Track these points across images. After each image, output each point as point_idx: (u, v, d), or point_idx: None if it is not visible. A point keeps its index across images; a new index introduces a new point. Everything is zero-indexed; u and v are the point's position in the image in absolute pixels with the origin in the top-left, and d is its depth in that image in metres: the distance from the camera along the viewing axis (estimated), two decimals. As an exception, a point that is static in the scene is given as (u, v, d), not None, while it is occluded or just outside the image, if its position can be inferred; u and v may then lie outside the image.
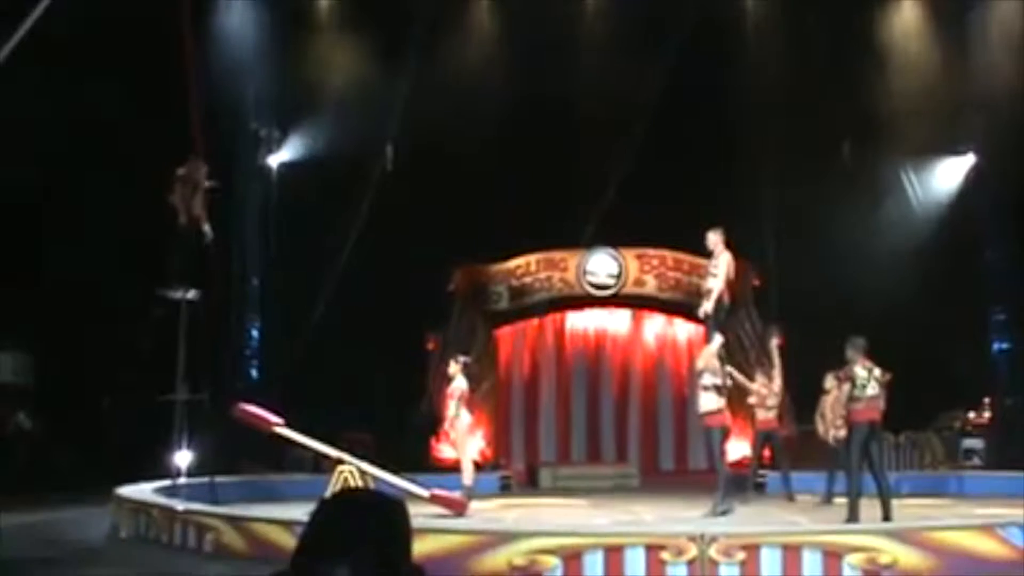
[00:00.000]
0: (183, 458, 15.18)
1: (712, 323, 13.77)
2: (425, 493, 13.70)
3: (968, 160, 21.45)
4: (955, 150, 21.48)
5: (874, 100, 20.68)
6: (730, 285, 13.87)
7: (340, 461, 13.68)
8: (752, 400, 16.62)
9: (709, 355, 13.52)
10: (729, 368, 14.32)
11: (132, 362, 17.61)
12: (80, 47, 16.85)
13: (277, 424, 14.07)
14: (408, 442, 19.32)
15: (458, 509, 13.97)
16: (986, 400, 20.44)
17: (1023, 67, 19.63)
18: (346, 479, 13.43)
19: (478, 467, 20.44)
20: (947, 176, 21.53)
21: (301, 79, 21.59)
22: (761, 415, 16.69)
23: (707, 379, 13.47)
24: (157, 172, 15.47)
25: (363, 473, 13.60)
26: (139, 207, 16.81)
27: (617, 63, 20.40)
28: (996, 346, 21.22)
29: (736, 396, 15.38)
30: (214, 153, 19.27)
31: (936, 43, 21.17)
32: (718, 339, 13.63)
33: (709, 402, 13.48)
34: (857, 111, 20.58)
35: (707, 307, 13.59)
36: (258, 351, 21.73)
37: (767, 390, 16.55)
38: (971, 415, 20.15)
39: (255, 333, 21.89)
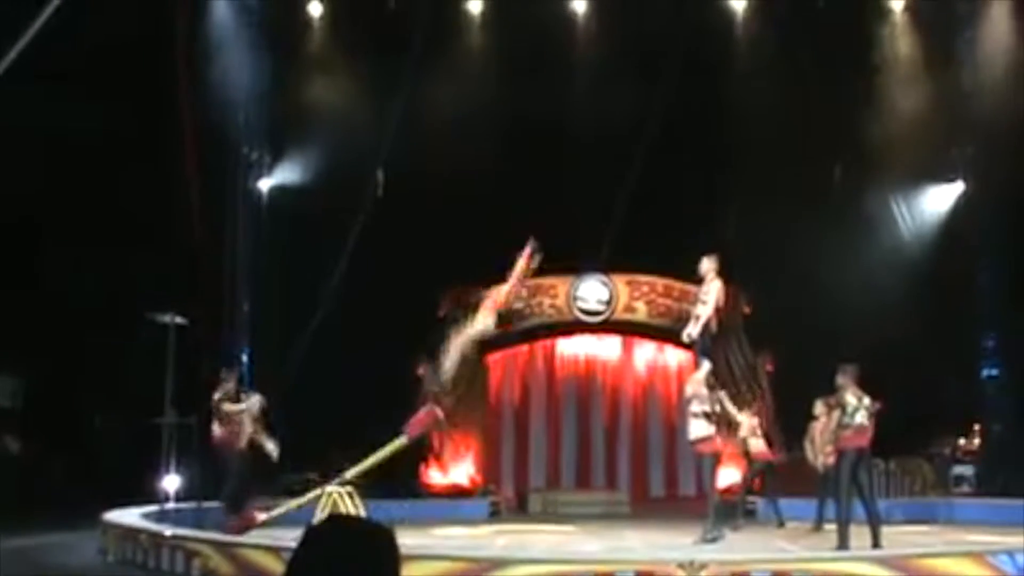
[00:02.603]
0: (171, 482, 15.14)
1: (700, 350, 13.80)
2: (403, 438, 13.85)
3: (958, 187, 21.49)
4: (945, 177, 21.51)
5: (864, 127, 20.74)
6: (719, 312, 13.90)
7: (325, 481, 13.73)
8: (743, 433, 16.61)
9: (697, 382, 13.53)
10: (721, 393, 14.32)
11: (122, 386, 17.57)
12: (77, 69, 16.86)
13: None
14: (397, 468, 19.25)
15: (432, 416, 14.28)
16: (976, 426, 20.46)
17: (1012, 93, 19.72)
18: (335, 502, 13.43)
19: (468, 492, 20.50)
20: (937, 202, 21.58)
21: (292, 104, 21.64)
22: (755, 446, 16.70)
23: (696, 406, 13.46)
24: (150, 195, 15.46)
25: (351, 494, 13.62)
26: (130, 230, 16.81)
27: (608, 89, 20.47)
28: (985, 372, 21.22)
29: (726, 422, 15.39)
30: (206, 176, 19.39)
31: (926, 70, 21.25)
32: (706, 366, 13.64)
33: (699, 429, 13.47)
34: (848, 138, 20.63)
35: (691, 331, 13.64)
36: (248, 375, 21.65)
37: (759, 419, 16.56)
38: (961, 441, 20.16)
39: (245, 358, 21.82)
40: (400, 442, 14.05)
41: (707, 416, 13.45)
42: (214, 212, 20.21)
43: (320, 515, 13.62)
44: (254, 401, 15.04)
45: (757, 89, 20.57)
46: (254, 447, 14.78)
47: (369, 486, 14.61)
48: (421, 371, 20.98)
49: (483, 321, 14.56)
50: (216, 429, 14.53)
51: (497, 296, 14.74)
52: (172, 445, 15.04)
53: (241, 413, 14.71)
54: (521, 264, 14.43)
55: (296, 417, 18.44)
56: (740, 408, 16.57)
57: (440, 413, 15.53)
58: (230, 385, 15.04)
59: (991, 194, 20.65)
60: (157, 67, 18.23)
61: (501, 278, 21.34)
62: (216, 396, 14.58)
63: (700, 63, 20.82)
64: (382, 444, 14.25)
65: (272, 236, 21.66)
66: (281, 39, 21.90)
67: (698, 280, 14.14)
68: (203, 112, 19.31)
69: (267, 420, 15.12)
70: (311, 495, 13.99)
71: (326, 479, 14.04)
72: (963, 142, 21.35)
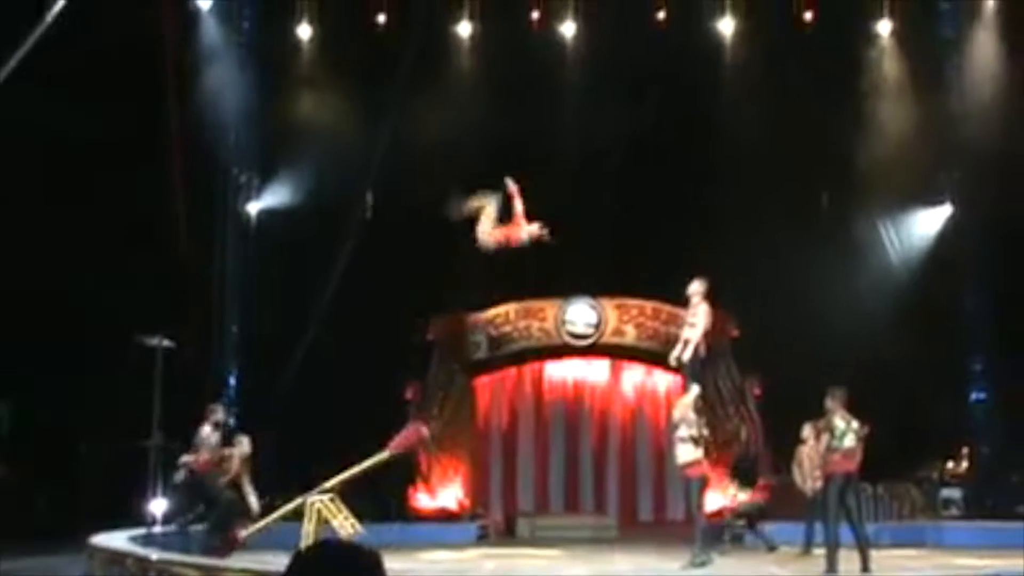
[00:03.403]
0: (158, 506, 15.08)
1: (689, 374, 13.81)
2: (385, 453, 13.83)
3: (945, 210, 21.56)
4: (933, 200, 21.58)
5: (852, 151, 20.84)
6: (707, 336, 13.92)
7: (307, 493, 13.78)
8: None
9: (685, 406, 13.52)
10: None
11: (108, 408, 17.50)
12: (67, 85, 16.84)
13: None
14: (385, 491, 19.23)
15: (416, 434, 14.21)
16: (964, 450, 20.47)
17: (998, 117, 19.83)
18: (319, 512, 13.46)
19: (456, 516, 20.45)
20: (925, 226, 21.65)
21: (282, 125, 21.66)
22: (743, 494, 16.84)
23: (684, 430, 13.45)
24: (137, 218, 15.43)
25: (334, 502, 13.64)
26: (114, 250, 16.77)
27: (597, 113, 20.52)
28: (973, 396, 21.25)
29: (716, 446, 15.41)
30: (194, 199, 19.37)
31: (913, 94, 21.37)
32: (695, 390, 13.64)
33: (687, 453, 13.45)
34: (836, 161, 20.73)
35: (677, 355, 13.67)
36: (236, 398, 21.61)
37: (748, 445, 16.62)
38: (949, 465, 20.17)
39: (233, 380, 21.77)
40: (382, 456, 14.05)
41: (695, 440, 13.43)
42: (203, 234, 20.23)
43: (307, 526, 13.67)
44: (244, 443, 15.03)
45: (746, 112, 20.63)
46: (237, 488, 14.76)
47: (356, 508, 14.57)
48: (409, 394, 20.97)
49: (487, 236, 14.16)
50: (197, 458, 14.46)
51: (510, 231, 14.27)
52: (159, 468, 14.99)
53: (231, 456, 14.74)
54: (519, 206, 14.22)
55: (284, 439, 18.41)
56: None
57: (425, 431, 15.54)
58: (218, 416, 15.02)
59: (978, 217, 20.75)
60: (144, 89, 18.25)
61: (489, 303, 21.52)
62: (205, 430, 14.54)
63: (688, 86, 20.94)
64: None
65: (261, 258, 21.64)
66: (271, 61, 21.93)
67: (686, 303, 14.16)
68: (192, 134, 19.33)
69: (254, 464, 15.08)
70: (291, 506, 14.00)
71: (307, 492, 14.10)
72: (951, 165, 21.44)
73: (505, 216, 14.18)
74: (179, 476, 14.66)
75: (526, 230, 14.01)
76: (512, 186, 14.23)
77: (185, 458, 14.53)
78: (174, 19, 19.46)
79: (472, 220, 14.17)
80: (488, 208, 14.06)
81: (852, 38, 21.60)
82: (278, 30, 21.98)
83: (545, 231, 14.03)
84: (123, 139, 17.63)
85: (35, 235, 17.90)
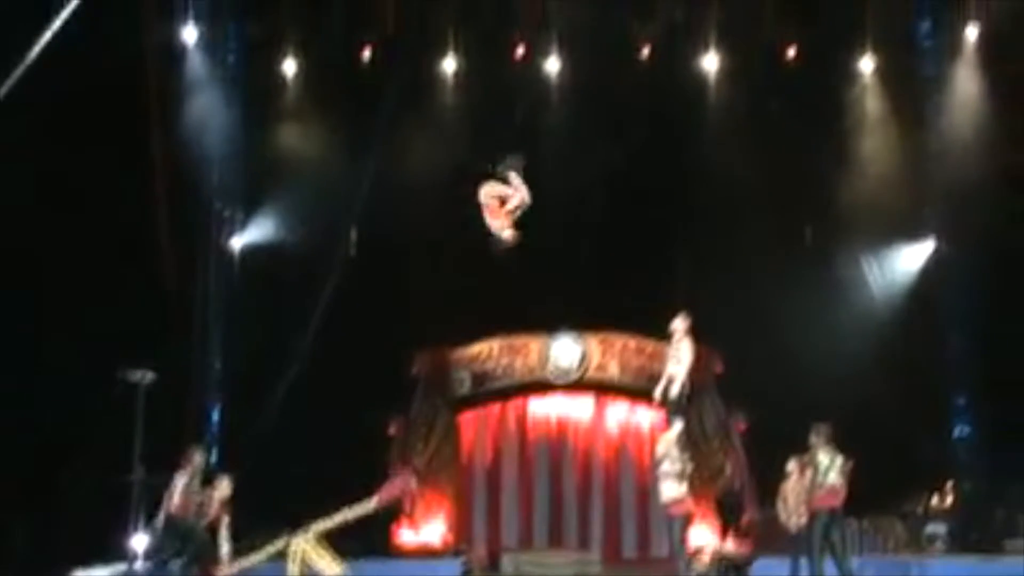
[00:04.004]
0: (139, 542, 14.97)
1: (672, 410, 13.76)
2: (371, 503, 13.73)
3: (928, 246, 21.63)
4: (915, 236, 21.66)
5: (835, 187, 20.94)
6: (691, 371, 13.90)
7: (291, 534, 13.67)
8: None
9: (669, 442, 13.48)
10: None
11: (90, 441, 17.39)
12: (49, 123, 16.81)
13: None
14: (368, 527, 19.12)
15: (405, 484, 14.08)
16: (949, 485, 20.44)
17: (981, 154, 19.95)
18: (304, 553, 13.36)
19: (440, 552, 20.35)
20: (908, 262, 21.71)
21: (266, 161, 21.68)
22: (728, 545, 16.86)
23: (667, 466, 13.41)
24: (120, 250, 15.38)
25: (319, 543, 13.55)
26: (99, 286, 16.70)
27: (579, 147, 20.61)
28: (957, 431, 21.25)
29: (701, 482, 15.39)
30: (178, 233, 19.31)
31: (896, 130, 21.50)
32: (678, 425, 13.60)
33: (670, 490, 13.41)
34: (819, 197, 20.82)
35: (661, 391, 13.62)
36: (218, 434, 21.50)
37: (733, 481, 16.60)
38: (934, 500, 20.13)
39: (215, 415, 21.67)
40: (369, 506, 13.96)
41: (678, 476, 13.39)
42: (187, 269, 20.19)
43: (292, 568, 13.58)
44: (224, 485, 14.91)
45: (730, 148, 20.73)
46: (213, 533, 14.65)
47: (339, 545, 14.49)
48: (393, 430, 20.91)
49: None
50: (172, 503, 14.36)
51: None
52: (141, 503, 14.89)
53: (209, 499, 14.64)
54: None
55: (267, 474, 18.31)
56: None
57: (413, 483, 15.46)
58: (197, 460, 14.90)
59: (961, 253, 20.82)
60: (128, 122, 18.24)
61: (473, 337, 21.52)
62: (184, 478, 14.44)
63: (672, 123, 21.06)
64: (352, 502, 14.17)
65: (245, 293, 21.60)
66: (256, 96, 21.96)
67: (670, 338, 14.14)
68: (176, 169, 19.32)
69: (234, 506, 14.97)
70: (273, 548, 13.91)
71: (292, 532, 13.99)
72: (933, 201, 21.51)
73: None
74: (157, 521, 14.55)
75: (515, 194, 13.42)
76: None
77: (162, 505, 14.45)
78: (159, 53, 19.47)
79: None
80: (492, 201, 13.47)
81: (835, 75, 21.73)
82: (263, 65, 22.02)
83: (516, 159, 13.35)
84: (106, 172, 17.58)
85: (15, 263, 17.84)
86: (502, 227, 12.30)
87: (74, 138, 17.39)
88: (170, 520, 14.34)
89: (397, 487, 14.50)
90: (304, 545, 13.65)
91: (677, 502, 13.40)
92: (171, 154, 19.41)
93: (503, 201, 12.47)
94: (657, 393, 13.83)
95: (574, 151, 20.64)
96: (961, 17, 21.14)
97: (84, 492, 17.68)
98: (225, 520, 14.59)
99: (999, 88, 20.57)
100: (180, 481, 14.33)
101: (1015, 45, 19.95)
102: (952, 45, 21.48)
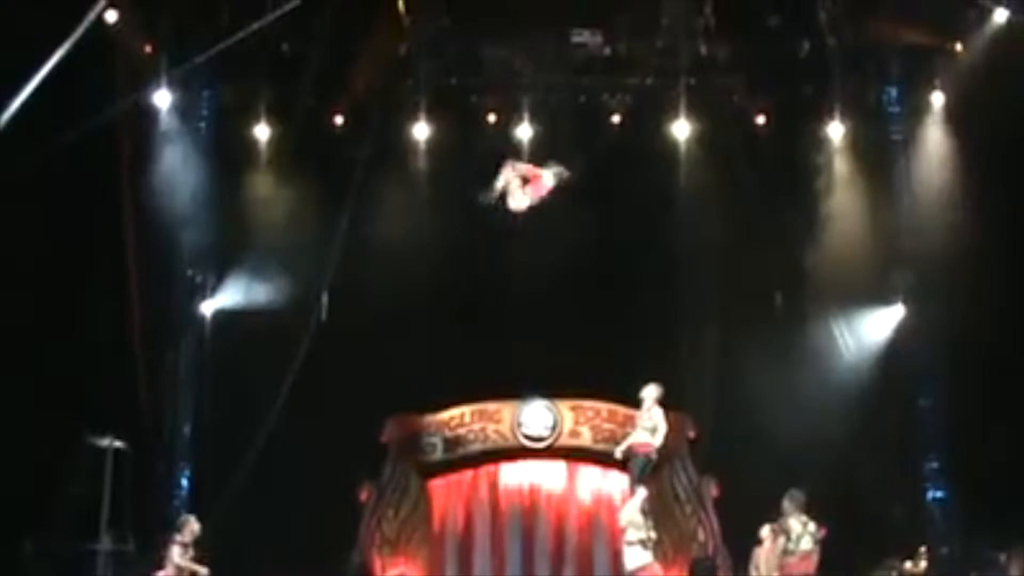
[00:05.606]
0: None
1: (634, 478, 13.75)
2: None
3: (898, 310, 21.73)
4: (885, 300, 21.76)
5: (805, 252, 21.07)
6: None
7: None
8: None
9: (633, 509, 13.44)
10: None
11: (55, 509, 17.18)
12: (17, 186, 16.75)
13: None
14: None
15: None
16: (923, 549, 20.39)
17: (949, 219, 20.11)
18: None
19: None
20: (878, 326, 21.79)
21: (238, 226, 21.64)
22: None
23: (632, 534, 13.37)
24: (88, 316, 15.28)
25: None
26: (68, 351, 16.58)
27: (550, 214, 20.62)
28: (931, 495, 21.23)
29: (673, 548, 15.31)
30: (149, 299, 19.21)
31: (865, 196, 21.67)
32: (641, 492, 13.61)
33: (636, 557, 13.36)
34: (789, 262, 20.94)
35: (621, 452, 13.64)
36: (188, 500, 21.29)
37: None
38: (907, 565, 20.05)
39: (185, 482, 21.47)
40: None
41: (643, 543, 13.34)
42: (156, 334, 20.09)
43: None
44: (192, 526, 14.78)
45: (699, 215, 20.88)
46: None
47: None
48: (363, 496, 20.76)
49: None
50: (167, 571, 14.27)
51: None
52: (108, 572, 14.72)
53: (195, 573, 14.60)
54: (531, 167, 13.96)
55: (237, 539, 18.15)
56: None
57: None
58: (192, 528, 14.83)
59: (931, 316, 20.91)
60: (98, 187, 18.19)
61: (445, 402, 21.46)
62: (178, 548, 14.37)
63: (642, 189, 21.20)
64: (323, 572, 14.06)
65: (215, 358, 21.49)
66: (228, 161, 21.95)
67: (640, 404, 14.14)
68: (146, 232, 19.27)
69: (199, 551, 14.83)
70: None
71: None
72: (903, 266, 21.63)
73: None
74: None
75: (548, 175, 13.63)
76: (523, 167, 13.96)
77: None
78: (131, 119, 19.47)
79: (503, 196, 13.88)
80: (513, 182, 13.69)
81: (803, 141, 21.94)
82: (235, 130, 22.06)
83: (562, 167, 13.75)
84: (74, 240, 17.51)
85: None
86: (519, 204, 12.63)
87: (43, 201, 17.32)
88: None
89: None
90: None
91: (642, 569, 13.33)
92: (141, 218, 19.36)
93: (526, 180, 12.64)
94: (618, 452, 13.81)
95: (545, 218, 20.66)
96: (927, 83, 21.42)
97: (49, 562, 17.45)
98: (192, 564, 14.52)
99: (966, 146, 20.76)
100: (176, 551, 14.26)
101: (981, 109, 20.14)
102: (918, 110, 21.73)
